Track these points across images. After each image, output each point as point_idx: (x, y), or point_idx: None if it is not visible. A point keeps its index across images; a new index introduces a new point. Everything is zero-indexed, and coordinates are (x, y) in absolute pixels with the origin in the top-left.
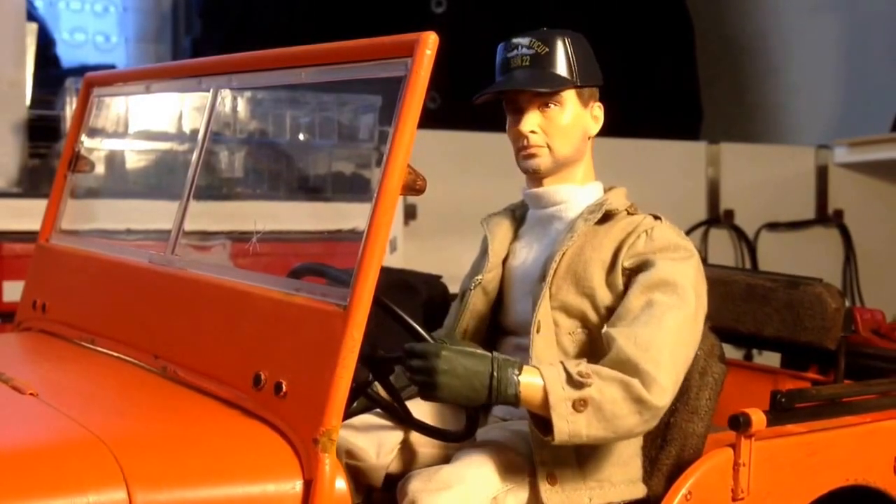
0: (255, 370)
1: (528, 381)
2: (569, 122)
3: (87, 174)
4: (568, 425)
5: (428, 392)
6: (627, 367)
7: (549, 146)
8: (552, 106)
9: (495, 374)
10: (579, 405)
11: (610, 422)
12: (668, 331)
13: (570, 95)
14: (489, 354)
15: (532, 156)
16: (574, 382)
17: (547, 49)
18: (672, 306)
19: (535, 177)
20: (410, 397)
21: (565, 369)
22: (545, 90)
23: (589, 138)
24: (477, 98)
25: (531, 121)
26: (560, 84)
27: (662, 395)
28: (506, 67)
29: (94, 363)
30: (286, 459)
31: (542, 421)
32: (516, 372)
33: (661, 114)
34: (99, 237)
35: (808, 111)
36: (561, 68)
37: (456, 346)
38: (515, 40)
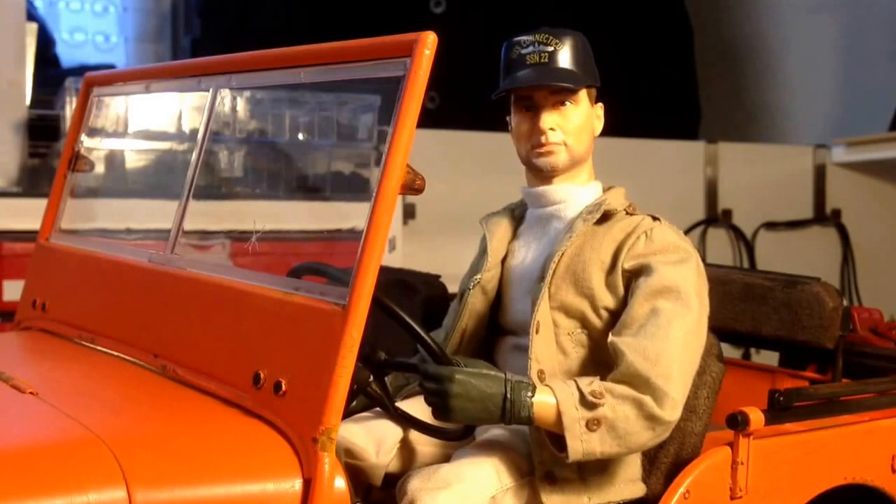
0: (254, 369)
1: (542, 401)
2: (582, 120)
3: (86, 174)
4: (582, 445)
5: (442, 415)
6: (638, 382)
7: (565, 144)
8: (568, 104)
9: (509, 396)
10: (593, 424)
11: (623, 439)
12: (676, 341)
13: (583, 94)
14: (502, 376)
15: (549, 153)
16: (587, 403)
17: (564, 47)
18: (677, 314)
19: (548, 175)
20: (411, 395)
21: (578, 388)
22: (572, 86)
23: (594, 138)
24: (496, 94)
25: (550, 118)
26: (581, 82)
27: (674, 409)
28: (521, 64)
29: (94, 362)
30: (285, 458)
31: (556, 437)
32: (529, 394)
33: (659, 113)
34: (99, 236)
35: (806, 111)
36: (576, 66)
37: (470, 366)
38: (530, 37)
